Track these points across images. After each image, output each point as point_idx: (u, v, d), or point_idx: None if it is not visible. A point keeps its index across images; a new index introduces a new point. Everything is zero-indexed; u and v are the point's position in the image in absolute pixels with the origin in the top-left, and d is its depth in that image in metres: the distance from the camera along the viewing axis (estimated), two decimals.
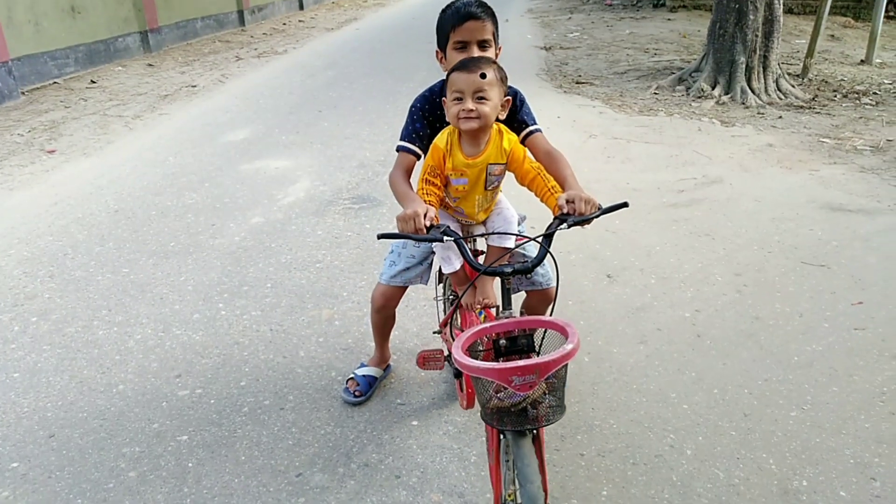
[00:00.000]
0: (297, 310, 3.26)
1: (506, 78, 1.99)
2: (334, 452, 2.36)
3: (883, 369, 2.92)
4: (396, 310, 2.54)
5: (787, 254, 4.00)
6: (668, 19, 13.93)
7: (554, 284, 2.29)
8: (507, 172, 2.12)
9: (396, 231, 1.77)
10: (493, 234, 2.20)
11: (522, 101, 2.20)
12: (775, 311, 3.37)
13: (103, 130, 6.62)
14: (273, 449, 2.37)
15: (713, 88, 8.08)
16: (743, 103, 7.80)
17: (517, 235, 2.18)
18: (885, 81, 9.06)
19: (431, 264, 2.42)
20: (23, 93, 8.24)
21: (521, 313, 2.50)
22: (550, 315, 1.98)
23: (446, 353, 2.49)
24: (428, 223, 1.76)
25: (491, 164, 2.04)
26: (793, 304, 3.43)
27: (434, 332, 2.81)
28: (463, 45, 2.07)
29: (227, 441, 2.41)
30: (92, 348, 2.96)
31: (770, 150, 6.12)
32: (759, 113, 7.52)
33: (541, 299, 2.43)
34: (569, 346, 1.52)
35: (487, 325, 1.72)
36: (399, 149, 2.15)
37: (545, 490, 1.68)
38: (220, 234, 4.09)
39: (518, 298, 2.41)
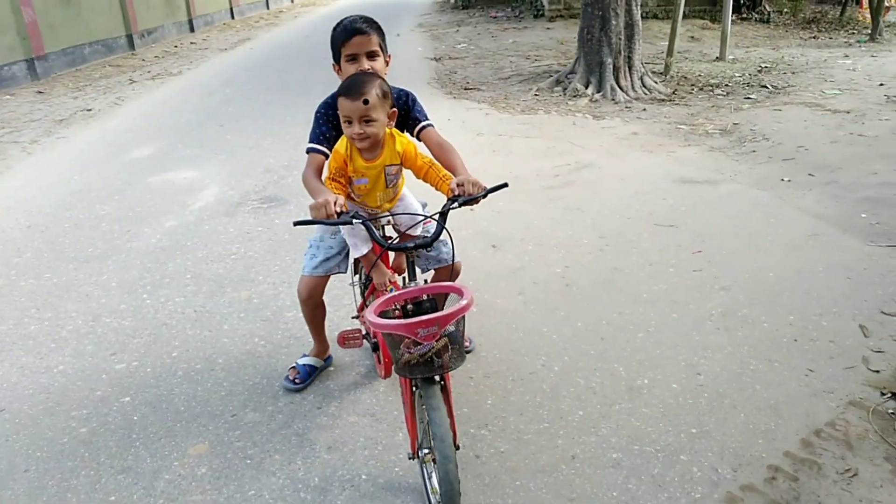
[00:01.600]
0: (217, 294, 3.63)
1: (389, 92, 2.20)
2: (263, 396, 2.77)
3: (714, 298, 3.61)
4: (324, 299, 2.72)
5: (643, 219, 4.70)
6: (548, 28, 14.97)
7: (459, 259, 2.56)
8: (403, 169, 2.38)
9: (312, 219, 1.99)
10: (396, 214, 2.45)
11: (414, 101, 2.46)
12: (631, 262, 4.02)
13: (1, 156, 6.63)
14: (208, 399, 2.75)
15: (586, 88, 8.93)
16: (613, 99, 8.68)
17: (414, 215, 2.46)
18: (736, 75, 10.24)
19: (348, 254, 2.59)
20: None
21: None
22: None
23: (364, 332, 2.75)
24: (338, 209, 1.97)
25: (387, 165, 2.29)
26: (646, 257, 4.10)
27: (353, 318, 3.01)
28: (353, 57, 2.31)
29: (166, 398, 2.77)
30: (26, 340, 3.22)
31: (634, 138, 6.93)
32: (626, 107, 8.40)
33: (446, 274, 2.62)
34: (463, 302, 1.82)
35: (396, 293, 2.02)
36: (308, 150, 2.36)
37: (454, 431, 1.96)
38: (136, 238, 4.37)
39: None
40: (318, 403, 2.72)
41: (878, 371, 2.98)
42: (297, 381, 2.80)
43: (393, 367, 1.95)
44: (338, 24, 2.39)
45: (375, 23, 2.39)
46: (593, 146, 6.61)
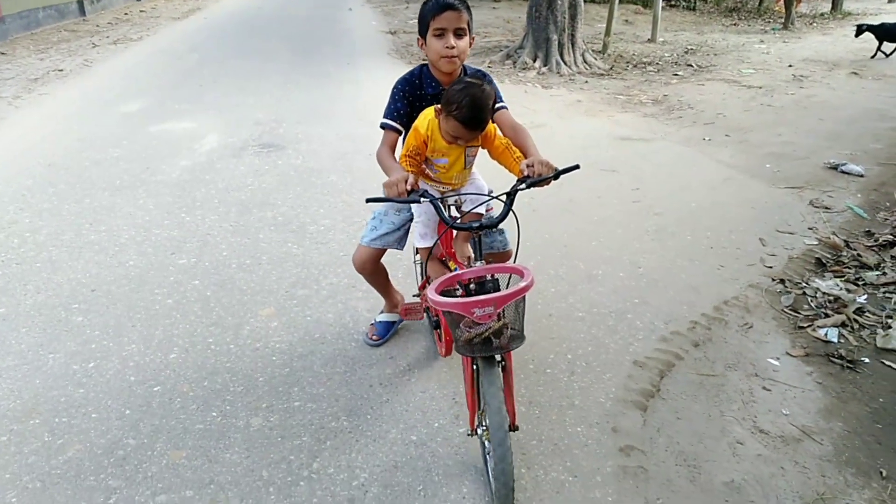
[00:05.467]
0: (245, 214, 4.30)
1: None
2: (307, 279, 3.50)
3: (649, 220, 4.52)
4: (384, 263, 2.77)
5: (590, 166, 5.58)
6: (494, 7, 15.80)
7: (511, 248, 2.62)
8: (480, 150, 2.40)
9: (382, 196, 2.02)
10: (463, 194, 2.40)
11: (491, 82, 2.34)
12: (582, 196, 4.89)
13: None
14: (263, 282, 3.46)
15: (534, 62, 9.80)
16: (558, 73, 9.59)
17: (479, 195, 2.42)
18: (665, 55, 11.33)
19: (408, 231, 2.65)
20: None
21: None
22: None
23: (424, 308, 2.87)
24: (409, 188, 1.99)
25: (469, 146, 2.31)
26: (594, 192, 4.98)
27: (414, 295, 3.05)
28: (441, 32, 2.28)
29: (228, 282, 3.46)
30: (92, 245, 3.83)
31: (579, 105, 7.85)
32: (570, 79, 9.33)
33: (498, 261, 2.62)
34: (522, 283, 1.82)
35: (460, 272, 2.04)
36: (383, 126, 2.38)
37: (512, 412, 2.02)
38: (157, 173, 4.96)
39: None
40: (368, 308, 3.40)
41: (770, 267, 3.95)
42: (374, 337, 2.97)
43: (454, 346, 1.98)
44: None
45: (466, 1, 2.36)
46: (544, 110, 7.49)
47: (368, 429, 2.46)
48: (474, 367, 2.03)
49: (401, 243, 2.67)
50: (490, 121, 2.27)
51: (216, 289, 3.39)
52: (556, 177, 2.03)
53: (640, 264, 3.89)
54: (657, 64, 10.58)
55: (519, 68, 9.68)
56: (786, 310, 3.51)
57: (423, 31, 2.35)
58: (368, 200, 2.04)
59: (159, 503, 2.12)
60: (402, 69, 8.39)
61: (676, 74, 9.78)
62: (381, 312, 3.03)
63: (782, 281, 3.78)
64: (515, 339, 1.91)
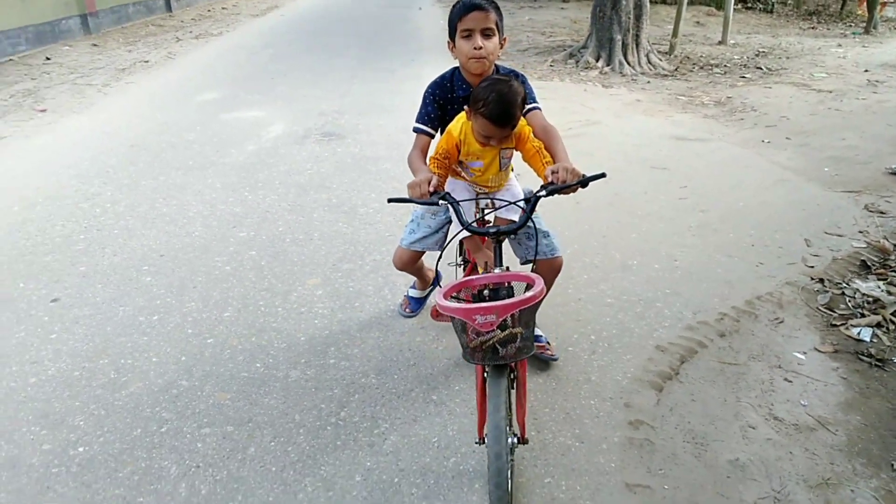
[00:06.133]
0: (303, 195, 4.60)
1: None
2: (353, 255, 3.75)
3: (693, 217, 4.56)
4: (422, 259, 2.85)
5: (641, 163, 5.65)
6: (562, 8, 15.82)
7: (559, 254, 2.57)
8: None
9: (405, 197, 2.00)
10: (491, 198, 2.44)
11: (524, 81, 2.33)
12: (629, 191, 4.98)
13: (81, 95, 7.57)
14: (314, 256, 3.74)
15: (597, 61, 9.83)
16: (621, 73, 9.59)
17: (500, 200, 2.38)
18: (735, 57, 11.12)
19: (447, 233, 2.64)
20: None
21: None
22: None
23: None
24: (431, 189, 1.97)
25: (503, 148, 2.30)
26: (641, 188, 5.06)
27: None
28: (468, 33, 2.27)
29: (282, 254, 3.76)
30: (163, 217, 4.21)
31: (637, 104, 7.87)
32: (632, 79, 9.32)
33: (545, 268, 2.55)
34: (527, 294, 1.75)
35: (471, 277, 1.98)
36: (415, 130, 2.40)
37: (522, 424, 2.03)
38: (226, 156, 5.34)
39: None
40: (406, 283, 3.64)
41: (812, 266, 3.95)
42: (408, 310, 3.17)
43: (461, 353, 1.96)
44: (458, 1, 2.35)
45: (496, 3, 2.36)
46: (601, 108, 7.55)
47: (394, 386, 2.67)
48: (485, 374, 1.98)
49: (439, 245, 2.65)
50: (521, 119, 2.23)
51: (270, 259, 3.69)
52: (582, 185, 1.97)
53: (676, 257, 3.96)
54: (725, 66, 10.41)
55: (581, 68, 9.73)
56: (821, 308, 3.52)
57: (452, 34, 2.36)
58: (390, 200, 2.04)
59: (203, 434, 2.40)
60: None
61: (744, 77, 9.61)
62: (413, 288, 3.19)
63: (821, 280, 3.78)
64: (523, 350, 1.84)
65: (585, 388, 2.75)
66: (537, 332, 2.87)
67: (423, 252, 2.71)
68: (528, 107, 2.32)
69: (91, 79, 8.44)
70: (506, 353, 1.81)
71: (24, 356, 2.83)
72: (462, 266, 2.82)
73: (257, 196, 4.56)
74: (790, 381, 2.92)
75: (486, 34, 2.29)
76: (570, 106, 7.52)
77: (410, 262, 2.75)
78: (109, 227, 4.07)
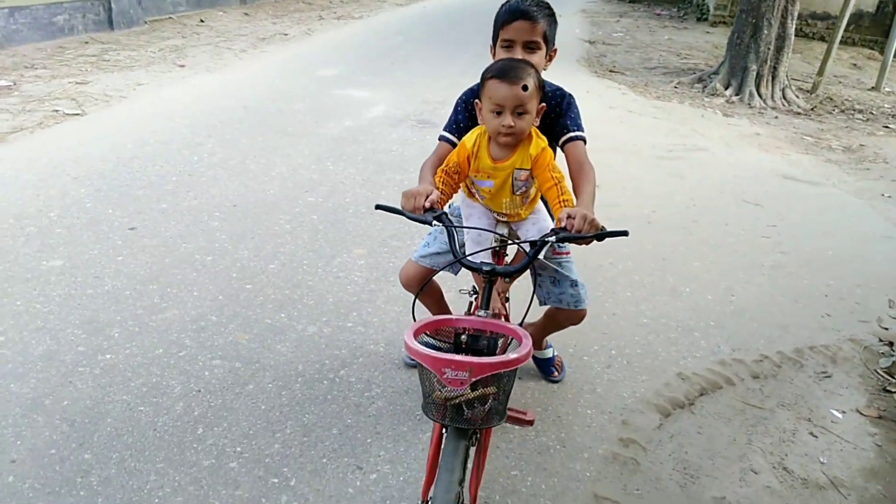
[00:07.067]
0: (379, 173, 4.81)
1: (542, 85, 1.93)
2: (404, 235, 3.89)
3: (771, 257, 4.32)
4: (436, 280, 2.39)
5: (735, 195, 5.40)
6: (707, 32, 15.20)
7: (584, 307, 2.32)
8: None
9: (396, 207, 1.76)
10: (478, 228, 2.11)
11: (570, 105, 2.11)
12: (709, 220, 4.79)
13: (219, 56, 8.24)
14: (368, 230, 3.93)
15: (726, 89, 9.42)
16: (749, 104, 9.13)
17: (496, 234, 2.08)
18: (885, 105, 10.27)
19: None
20: (146, 22, 9.92)
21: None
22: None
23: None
24: (427, 205, 1.72)
25: (517, 168, 1.99)
26: (724, 219, 4.85)
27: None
28: (509, 45, 2.01)
29: (340, 222, 3.98)
30: (248, 173, 4.56)
31: (755, 137, 7.48)
32: (759, 113, 8.85)
33: (566, 317, 2.39)
34: (511, 356, 1.48)
35: (449, 317, 1.76)
36: (440, 138, 2.15)
37: (474, 494, 1.77)
38: (323, 127, 5.67)
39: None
40: None
41: (887, 329, 3.65)
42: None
43: (421, 404, 1.63)
44: (506, 2, 2.08)
45: (549, 8, 2.08)
46: (713, 136, 7.25)
47: (398, 357, 2.78)
48: (443, 430, 1.67)
49: (454, 268, 2.27)
50: (542, 141, 1.98)
51: (327, 225, 3.91)
52: (598, 238, 1.69)
53: (735, 292, 3.79)
54: (870, 113, 9.64)
55: (707, 94, 9.36)
56: (879, 371, 3.26)
57: (494, 40, 2.09)
58: (378, 207, 1.78)
59: (213, 365, 2.63)
60: (585, 76, 8.58)
61: (887, 126, 8.86)
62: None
63: (891, 344, 3.49)
64: (493, 417, 1.56)
65: (587, 397, 2.73)
66: (547, 351, 2.81)
67: (433, 271, 2.27)
68: (568, 134, 2.08)
69: (232, 43, 9.14)
70: (472, 415, 1.53)
71: (90, 270, 3.21)
72: (474, 296, 2.47)
73: (337, 167, 4.81)
74: (815, 437, 2.74)
75: (530, 47, 2.01)
76: (679, 129, 7.29)
77: (416, 280, 2.31)
78: (200, 174, 4.46)
